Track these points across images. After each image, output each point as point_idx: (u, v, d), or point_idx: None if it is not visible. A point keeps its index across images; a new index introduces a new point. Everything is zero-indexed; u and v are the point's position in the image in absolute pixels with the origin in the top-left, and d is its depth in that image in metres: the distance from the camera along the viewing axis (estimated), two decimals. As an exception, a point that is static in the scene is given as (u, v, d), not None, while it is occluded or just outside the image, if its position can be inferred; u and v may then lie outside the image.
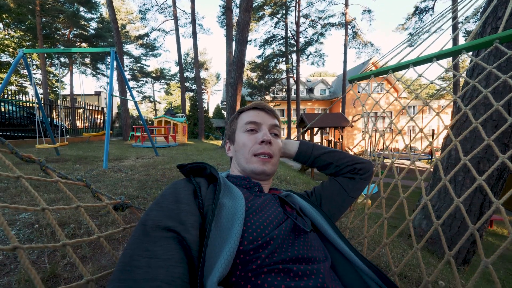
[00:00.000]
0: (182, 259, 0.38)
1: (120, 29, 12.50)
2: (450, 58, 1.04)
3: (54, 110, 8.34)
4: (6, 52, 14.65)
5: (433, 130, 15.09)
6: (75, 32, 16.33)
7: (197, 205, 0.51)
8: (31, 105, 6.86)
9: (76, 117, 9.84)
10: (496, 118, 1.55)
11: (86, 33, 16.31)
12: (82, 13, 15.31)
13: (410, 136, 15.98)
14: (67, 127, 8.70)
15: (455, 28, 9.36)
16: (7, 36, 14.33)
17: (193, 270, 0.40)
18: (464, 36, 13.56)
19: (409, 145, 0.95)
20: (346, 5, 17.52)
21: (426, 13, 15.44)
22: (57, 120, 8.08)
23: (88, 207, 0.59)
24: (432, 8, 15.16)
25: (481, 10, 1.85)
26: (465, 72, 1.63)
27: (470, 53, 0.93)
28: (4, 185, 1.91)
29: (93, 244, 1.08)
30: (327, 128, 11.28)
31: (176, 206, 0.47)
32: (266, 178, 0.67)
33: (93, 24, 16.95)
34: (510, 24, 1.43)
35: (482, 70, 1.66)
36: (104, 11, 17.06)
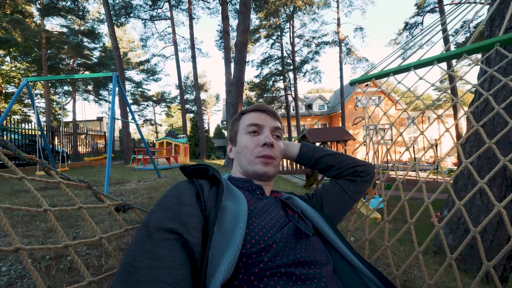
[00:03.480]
0: (184, 261, 0.38)
1: (122, 56, 12.98)
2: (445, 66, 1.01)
3: (56, 137, 8.37)
4: (12, 84, 15.12)
5: (436, 140, 15.02)
6: (78, 62, 16.95)
7: (199, 207, 0.50)
8: (33, 132, 6.90)
9: (78, 143, 9.86)
10: None
11: (89, 62, 16.93)
12: (86, 44, 16.00)
13: (413, 148, 15.86)
14: (68, 153, 8.69)
15: (446, 41, 9.67)
16: (13, 68, 14.87)
17: (195, 272, 0.39)
18: (455, 48, 13.99)
19: (417, 158, 0.89)
20: (338, 24, 18.31)
21: (416, 27, 16.06)
22: (58, 146, 8.09)
23: (90, 209, 0.58)
24: (421, 23, 15.80)
25: (471, 23, 1.87)
26: (477, 81, 1.59)
27: (473, 57, 0.91)
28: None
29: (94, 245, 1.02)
30: (329, 143, 11.24)
31: (179, 208, 0.47)
32: (268, 180, 0.68)
33: (96, 53, 17.64)
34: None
35: (492, 77, 1.62)
36: (106, 40, 17.87)
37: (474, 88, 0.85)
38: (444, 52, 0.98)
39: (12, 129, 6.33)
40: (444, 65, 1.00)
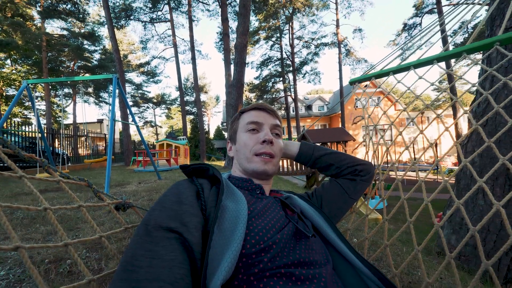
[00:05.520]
0: (184, 260, 0.38)
1: (122, 58, 13.01)
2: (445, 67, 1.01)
3: (56, 139, 8.38)
4: (13, 86, 15.15)
5: (435, 140, 15.00)
6: (79, 64, 16.98)
7: (199, 207, 0.50)
8: (33, 134, 6.91)
9: (78, 145, 9.87)
10: None
11: (90, 64, 16.95)
12: (86, 46, 16.04)
13: (413, 148, 15.84)
14: (69, 155, 8.69)
15: (445, 41, 9.70)
16: (14, 71, 14.91)
17: (195, 271, 0.39)
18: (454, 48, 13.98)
19: (417, 158, 0.90)
20: (337, 26, 18.36)
21: (414, 28, 16.12)
22: (59, 148, 8.10)
23: (89, 207, 0.59)
24: (420, 24, 15.85)
25: (468, 24, 1.87)
26: (478, 80, 1.59)
27: (473, 56, 0.91)
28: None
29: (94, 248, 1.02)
30: (329, 143, 11.23)
31: (179, 207, 0.47)
32: (267, 178, 0.68)
33: (96, 56, 17.67)
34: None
35: (493, 77, 1.60)
36: (107, 43, 17.89)
37: (475, 88, 0.84)
38: (444, 51, 0.98)
39: (12, 132, 6.35)
40: (443, 65, 1.00)
